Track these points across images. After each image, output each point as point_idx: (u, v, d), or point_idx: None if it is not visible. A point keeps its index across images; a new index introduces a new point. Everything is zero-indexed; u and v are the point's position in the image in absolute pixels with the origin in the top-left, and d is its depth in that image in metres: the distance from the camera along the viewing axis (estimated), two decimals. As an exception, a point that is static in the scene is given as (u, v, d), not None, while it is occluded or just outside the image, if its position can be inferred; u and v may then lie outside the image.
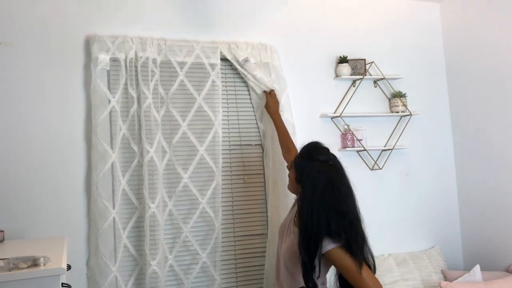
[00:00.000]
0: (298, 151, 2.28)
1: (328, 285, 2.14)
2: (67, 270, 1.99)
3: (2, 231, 2.21)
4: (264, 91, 2.99)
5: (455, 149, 3.59)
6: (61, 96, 2.71)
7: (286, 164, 2.66)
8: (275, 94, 2.97)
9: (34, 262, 1.46)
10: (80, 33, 2.77)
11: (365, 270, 1.98)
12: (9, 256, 1.51)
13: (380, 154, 3.37)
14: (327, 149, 2.23)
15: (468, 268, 3.31)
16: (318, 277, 1.99)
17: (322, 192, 2.02)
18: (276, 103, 2.95)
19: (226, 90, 3.04)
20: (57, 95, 2.71)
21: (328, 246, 1.96)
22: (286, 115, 3.03)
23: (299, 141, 2.76)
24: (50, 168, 2.66)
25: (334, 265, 2.02)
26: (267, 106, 2.95)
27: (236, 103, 3.07)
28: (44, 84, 2.69)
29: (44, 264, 1.48)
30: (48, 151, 2.66)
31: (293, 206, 2.38)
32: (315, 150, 2.21)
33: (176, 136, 2.82)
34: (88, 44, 2.74)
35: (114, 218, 2.66)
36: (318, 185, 2.05)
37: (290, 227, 2.20)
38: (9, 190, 2.57)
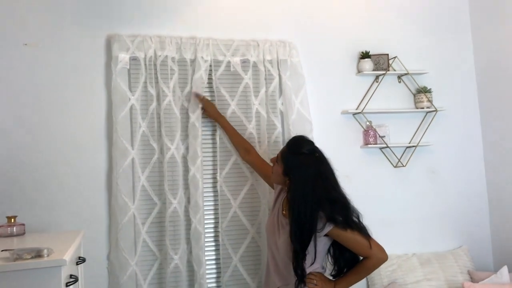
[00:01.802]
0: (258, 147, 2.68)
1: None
2: (79, 263, 2.08)
3: (23, 224, 2.30)
4: (195, 96, 2.85)
5: (485, 147, 3.46)
6: (83, 95, 2.79)
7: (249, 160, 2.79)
8: (204, 97, 2.88)
9: (37, 253, 1.51)
10: (101, 33, 2.84)
11: (372, 240, 2.26)
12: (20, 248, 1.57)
13: (404, 152, 3.30)
14: (312, 142, 2.41)
15: (498, 270, 3.19)
16: (313, 262, 2.23)
17: (313, 184, 2.21)
18: (212, 105, 2.89)
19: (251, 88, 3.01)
20: (80, 94, 2.79)
21: (327, 227, 2.19)
22: (303, 113, 3.02)
23: (319, 139, 2.75)
24: (72, 164, 2.74)
25: (341, 242, 2.25)
26: (206, 112, 2.86)
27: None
28: (67, 83, 2.77)
29: (48, 255, 1.53)
30: (70, 148, 2.75)
31: (276, 201, 2.47)
32: (301, 144, 2.38)
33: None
34: (109, 44, 2.81)
35: (133, 214, 2.72)
36: (308, 178, 2.23)
37: (280, 222, 2.31)
38: (33, 185, 2.67)
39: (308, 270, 2.23)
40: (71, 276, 1.77)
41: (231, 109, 2.93)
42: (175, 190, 2.78)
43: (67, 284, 1.64)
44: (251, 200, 2.96)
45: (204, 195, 2.88)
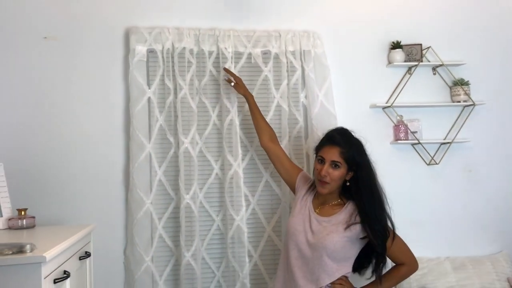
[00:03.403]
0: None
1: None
2: (83, 258, 2.05)
3: (33, 217, 2.30)
4: (226, 72, 2.74)
5: (527, 144, 3.18)
6: (102, 88, 2.78)
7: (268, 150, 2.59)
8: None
9: (19, 249, 1.48)
10: (120, 26, 2.81)
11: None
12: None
13: (438, 148, 3.08)
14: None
15: (542, 278, 2.93)
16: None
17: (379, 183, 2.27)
18: (241, 79, 2.74)
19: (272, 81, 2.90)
20: (99, 87, 2.78)
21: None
22: (327, 106, 2.87)
23: None
24: (89, 158, 2.74)
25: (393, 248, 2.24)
26: (237, 86, 2.69)
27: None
28: (86, 76, 2.77)
29: (31, 251, 1.49)
30: (88, 141, 2.74)
31: (301, 199, 2.36)
32: (352, 135, 2.32)
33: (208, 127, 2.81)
34: (127, 36, 2.78)
35: (149, 209, 2.68)
36: (376, 178, 2.26)
37: (315, 221, 2.25)
38: (50, 179, 2.68)
39: (340, 274, 2.18)
40: (65, 272, 1.74)
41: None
42: (189, 185, 2.71)
43: (55, 281, 1.60)
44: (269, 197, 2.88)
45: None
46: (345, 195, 2.31)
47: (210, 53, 2.81)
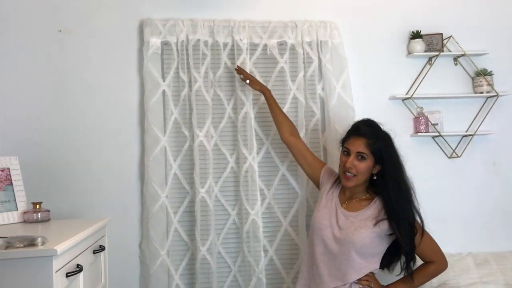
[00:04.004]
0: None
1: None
2: (97, 252, 2.03)
3: (48, 210, 2.29)
4: (239, 69, 2.67)
5: (554, 135, 3.07)
6: (117, 81, 2.76)
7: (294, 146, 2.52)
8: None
9: (30, 242, 1.46)
10: (134, 18, 2.78)
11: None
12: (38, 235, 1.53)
13: (460, 141, 2.99)
14: None
15: None
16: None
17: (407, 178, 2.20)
18: (253, 77, 2.69)
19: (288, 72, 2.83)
20: (113, 80, 2.76)
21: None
22: (345, 98, 2.81)
23: None
24: (105, 151, 2.73)
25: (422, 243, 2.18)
26: (252, 83, 2.63)
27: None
28: (101, 69, 2.75)
29: (42, 244, 1.47)
30: (104, 134, 2.73)
31: (326, 194, 2.30)
32: (379, 126, 2.26)
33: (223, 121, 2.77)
34: (141, 29, 2.75)
35: (164, 202, 2.66)
36: (405, 173, 2.19)
37: (342, 216, 2.19)
38: (65, 172, 2.68)
39: (368, 270, 2.13)
40: (77, 265, 1.72)
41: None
42: (204, 179, 2.67)
43: (67, 275, 1.58)
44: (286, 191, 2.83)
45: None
46: (372, 189, 2.25)
47: (225, 44, 2.77)
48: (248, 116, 2.73)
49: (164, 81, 2.71)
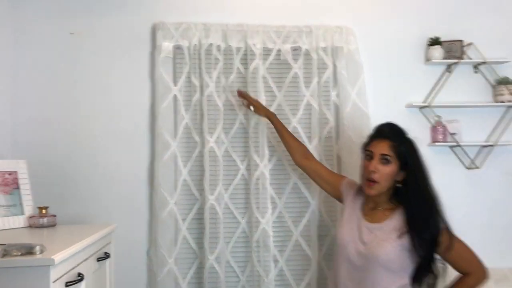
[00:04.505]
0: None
1: None
2: (101, 259, 1.99)
3: (54, 215, 2.26)
4: (241, 95, 2.62)
5: None
6: (128, 85, 2.73)
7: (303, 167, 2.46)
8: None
9: (28, 250, 1.42)
10: (147, 21, 2.75)
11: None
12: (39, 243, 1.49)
13: (479, 151, 2.89)
14: None
15: None
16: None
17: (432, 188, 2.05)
18: (258, 101, 2.60)
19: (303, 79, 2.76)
20: (125, 84, 2.73)
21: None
22: (360, 105, 2.73)
23: None
24: (115, 155, 2.70)
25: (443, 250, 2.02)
26: (257, 109, 2.56)
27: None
28: (113, 73, 2.72)
29: (40, 253, 1.42)
30: (114, 139, 2.70)
31: (350, 207, 2.17)
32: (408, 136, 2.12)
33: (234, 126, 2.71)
34: (154, 32, 2.72)
35: (173, 209, 2.61)
36: (430, 182, 2.05)
37: (365, 228, 2.06)
38: (74, 176, 2.65)
39: (396, 286, 1.98)
40: (79, 274, 1.67)
41: (278, 101, 2.72)
42: (214, 186, 2.62)
43: (67, 284, 1.54)
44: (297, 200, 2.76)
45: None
46: (397, 199, 2.10)
47: (238, 49, 2.71)
48: (260, 122, 2.67)
49: (175, 85, 2.66)
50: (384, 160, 2.03)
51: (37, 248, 1.42)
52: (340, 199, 2.31)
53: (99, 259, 1.99)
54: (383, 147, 2.04)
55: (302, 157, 2.45)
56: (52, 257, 1.38)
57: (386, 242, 1.97)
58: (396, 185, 2.07)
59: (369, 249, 1.99)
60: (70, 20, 2.70)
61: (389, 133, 2.08)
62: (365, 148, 2.14)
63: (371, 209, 2.12)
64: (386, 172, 2.02)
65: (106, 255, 2.09)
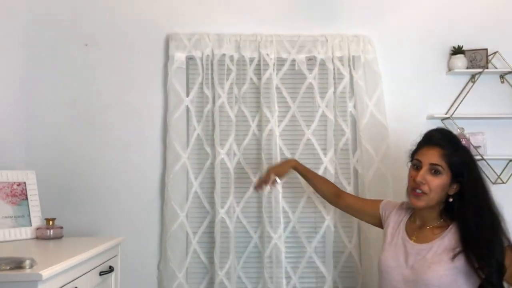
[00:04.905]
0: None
1: None
2: (104, 273, 1.94)
3: (61, 227, 2.24)
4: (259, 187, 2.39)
5: None
6: (141, 96, 2.71)
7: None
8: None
9: (17, 265, 1.38)
10: (160, 32, 2.73)
11: None
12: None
13: (506, 166, 2.74)
14: None
15: None
16: None
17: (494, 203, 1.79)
18: (271, 167, 2.37)
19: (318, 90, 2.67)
20: (138, 95, 2.71)
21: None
22: (378, 117, 2.63)
23: (397, 148, 2.49)
24: (126, 167, 2.67)
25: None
26: (279, 173, 2.30)
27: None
28: (126, 84, 2.72)
29: (30, 268, 1.38)
30: (126, 150, 2.68)
31: (394, 222, 1.97)
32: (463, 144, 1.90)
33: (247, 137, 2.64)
34: (167, 43, 2.69)
35: (183, 221, 2.56)
36: (490, 196, 1.80)
37: (412, 251, 1.81)
38: (85, 187, 2.64)
39: None
40: (76, 288, 1.63)
41: (291, 112, 2.64)
42: (225, 198, 2.56)
43: (60, 300, 1.49)
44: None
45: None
46: (447, 215, 1.83)
47: (251, 59, 2.66)
48: (273, 133, 2.60)
49: (187, 96, 2.63)
50: (434, 170, 1.79)
51: (27, 262, 1.38)
52: (381, 224, 2.09)
53: (102, 273, 1.94)
54: (433, 156, 1.80)
55: (334, 198, 2.27)
56: (40, 272, 1.34)
57: (436, 265, 1.71)
58: (449, 199, 1.82)
59: (417, 274, 1.74)
60: (84, 32, 2.71)
61: (441, 139, 1.82)
62: (412, 156, 1.91)
63: (418, 227, 1.88)
64: (436, 184, 1.78)
65: (111, 269, 2.04)
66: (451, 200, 1.80)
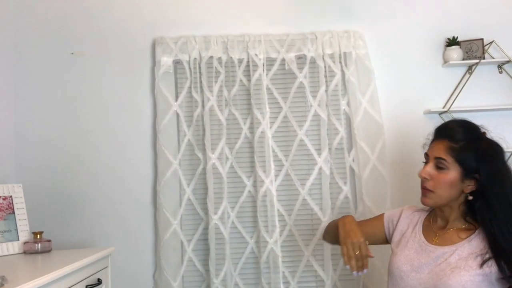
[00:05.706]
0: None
1: None
2: (90, 286, 1.88)
3: (49, 240, 2.18)
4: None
5: None
6: (130, 103, 2.66)
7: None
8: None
9: (-11, 282, 1.32)
10: (147, 37, 2.68)
11: None
12: None
13: (508, 159, 2.64)
14: None
15: None
16: None
17: None
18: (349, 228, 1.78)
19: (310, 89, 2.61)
20: (126, 102, 2.66)
21: None
22: (372, 113, 2.56)
23: (393, 145, 2.49)
24: (118, 176, 2.62)
25: None
26: (360, 246, 1.69)
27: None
28: (114, 91, 2.67)
29: (1, 286, 1.33)
30: (116, 158, 2.63)
31: (407, 224, 1.79)
32: (476, 126, 1.66)
33: (238, 141, 2.58)
34: (154, 48, 2.64)
35: (176, 229, 2.50)
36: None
37: (432, 254, 1.62)
38: (74, 199, 2.59)
39: None
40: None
41: (283, 113, 2.58)
42: (217, 204, 2.49)
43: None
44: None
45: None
46: (473, 217, 1.62)
47: (240, 61, 2.60)
48: (265, 135, 2.53)
49: (176, 101, 2.57)
50: (439, 164, 1.62)
51: (-2, 280, 1.33)
52: (387, 238, 1.86)
53: (89, 287, 1.88)
54: (438, 149, 1.63)
55: None
56: (10, 290, 1.28)
57: (462, 270, 1.53)
58: (468, 198, 1.62)
59: (438, 278, 1.56)
60: (70, 40, 2.67)
61: (451, 131, 1.63)
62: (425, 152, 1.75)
63: (439, 228, 1.69)
64: (441, 180, 1.61)
65: (99, 282, 1.98)
66: (470, 198, 1.61)
